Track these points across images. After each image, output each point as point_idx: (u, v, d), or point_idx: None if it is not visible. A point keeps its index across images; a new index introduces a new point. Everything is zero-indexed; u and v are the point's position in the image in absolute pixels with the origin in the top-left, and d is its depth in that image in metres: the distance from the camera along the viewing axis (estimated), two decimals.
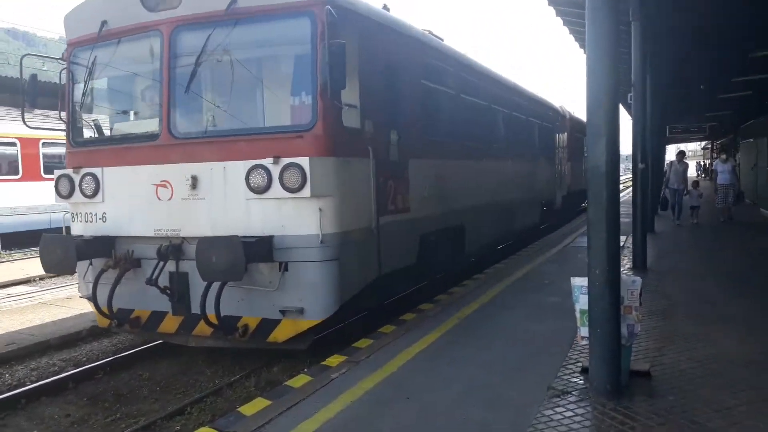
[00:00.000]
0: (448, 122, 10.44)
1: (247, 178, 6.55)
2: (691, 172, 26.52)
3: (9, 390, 6.96)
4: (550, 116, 19.77)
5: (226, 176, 6.73)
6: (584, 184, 24.68)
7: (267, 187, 6.49)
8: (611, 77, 4.78)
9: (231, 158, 6.71)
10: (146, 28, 7.19)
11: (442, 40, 10.98)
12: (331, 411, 4.91)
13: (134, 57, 7.49)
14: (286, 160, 6.42)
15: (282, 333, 6.73)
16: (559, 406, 4.76)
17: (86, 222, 7.62)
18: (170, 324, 7.24)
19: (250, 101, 7.29)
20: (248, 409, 5.15)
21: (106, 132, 8.25)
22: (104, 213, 7.47)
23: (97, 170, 7.51)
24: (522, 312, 7.89)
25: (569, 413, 4.61)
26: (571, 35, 17.37)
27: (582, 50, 19.16)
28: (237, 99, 7.14)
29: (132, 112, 8.33)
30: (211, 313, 6.53)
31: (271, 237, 6.56)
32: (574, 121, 24.97)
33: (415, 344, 6.61)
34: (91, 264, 7.55)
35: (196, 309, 6.73)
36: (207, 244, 6.22)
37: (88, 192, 7.51)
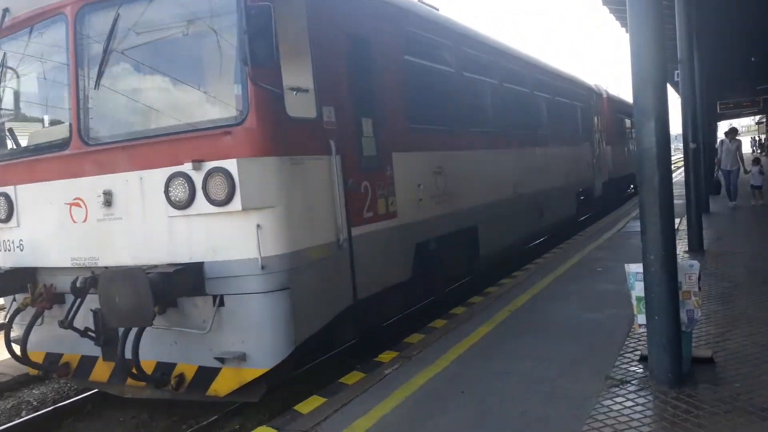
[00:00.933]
0: (447, 106, 8.98)
1: (166, 191, 5.30)
2: (746, 148, 25.20)
3: None
4: (583, 95, 17.80)
5: (143, 189, 5.45)
6: (629, 168, 24.46)
7: (190, 201, 5.23)
8: (657, 55, 4.62)
9: (148, 166, 5.43)
10: (51, 12, 5.90)
11: (437, 10, 9.49)
12: (385, 407, 4.90)
13: (42, 49, 6.19)
14: (209, 165, 5.14)
15: (222, 385, 5.46)
16: (618, 396, 4.64)
17: (4, 251, 6.44)
18: (101, 371, 6.06)
19: (173, 93, 5.82)
20: (304, 407, 5.19)
21: (23, 143, 6.83)
22: (21, 240, 6.26)
23: (9, 189, 6.30)
24: (575, 301, 7.74)
25: (629, 403, 4.49)
26: (612, 14, 16.96)
27: (624, 29, 18.69)
28: (156, 92, 5.85)
29: (45, 117, 7.00)
30: (143, 360, 5.34)
31: (200, 264, 5.29)
32: (614, 101, 23.26)
33: (467, 338, 6.56)
34: (14, 300, 6.35)
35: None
36: (108, 280, 5.05)
37: (1, 215, 6.34)
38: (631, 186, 26.81)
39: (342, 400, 5.17)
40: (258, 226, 5.16)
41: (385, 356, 6.28)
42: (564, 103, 15.42)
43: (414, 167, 7.66)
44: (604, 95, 21.63)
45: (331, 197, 5.93)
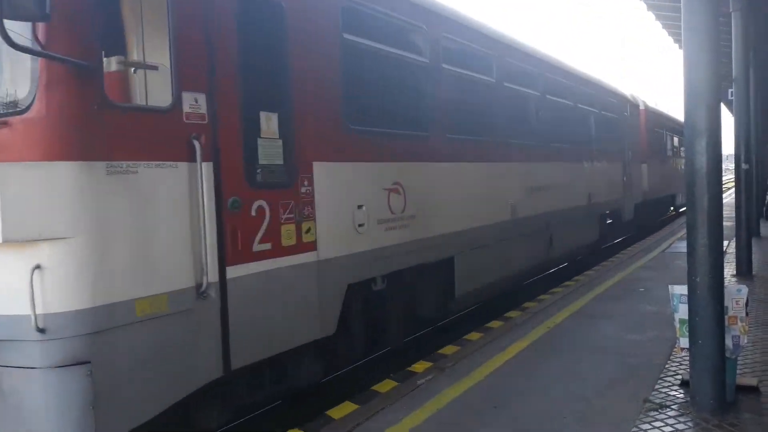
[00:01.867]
0: (412, 104, 7.03)
1: None
2: None
3: None
4: (614, 105, 15.53)
5: None
6: (670, 188, 23.49)
7: None
8: (712, 72, 4.50)
9: None
10: None
11: None
12: (417, 418, 4.87)
13: None
14: None
15: None
16: (657, 420, 4.51)
17: None
18: None
19: None
20: (336, 413, 5.21)
21: None
22: None
23: None
24: (616, 321, 7.58)
25: (668, 428, 4.36)
26: (665, 29, 16.63)
27: (677, 45, 18.31)
28: None
29: None
30: None
31: None
32: (653, 114, 21.04)
33: (503, 352, 6.47)
34: None
35: None
36: None
37: None
38: (671, 208, 25.71)
39: (374, 408, 5.16)
40: (37, 266, 3.55)
41: (419, 366, 6.25)
42: (588, 111, 13.30)
43: (352, 182, 5.83)
44: (642, 107, 19.37)
45: (189, 223, 4.23)
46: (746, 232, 10.23)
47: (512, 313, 8.44)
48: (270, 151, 4.97)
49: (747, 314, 4.74)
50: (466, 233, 7.85)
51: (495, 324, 7.88)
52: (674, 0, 12.79)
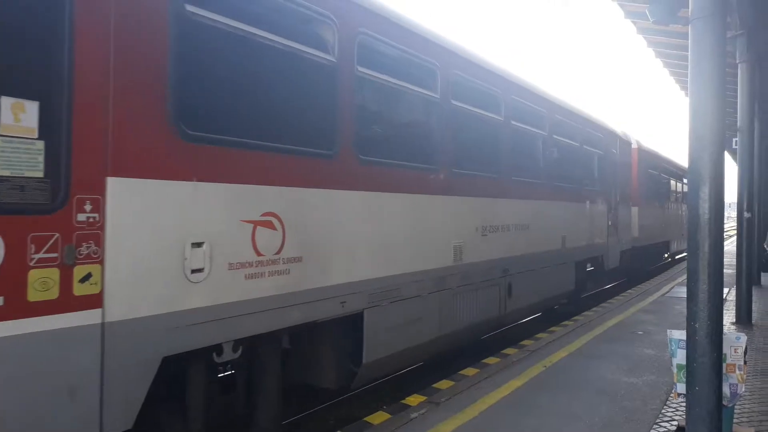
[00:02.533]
0: (302, 110, 5.34)
1: None
2: None
3: None
4: (601, 141, 13.83)
5: None
6: (665, 234, 22.15)
7: None
8: (717, 121, 4.55)
9: None
10: None
11: None
12: None
13: None
14: None
15: None
16: None
17: None
18: None
19: None
20: None
21: None
22: None
23: None
24: (613, 363, 7.53)
25: None
26: (672, 77, 16.84)
27: (684, 92, 18.51)
28: None
29: None
30: None
31: None
32: (647, 154, 19.70)
33: (498, 389, 6.43)
34: None
35: None
36: None
37: None
38: (666, 255, 24.18)
39: None
40: None
41: (413, 399, 6.20)
42: (567, 144, 11.56)
43: (185, 210, 4.21)
44: (634, 145, 18.01)
45: None
46: (747, 280, 10.22)
47: (509, 350, 8.39)
48: (16, 156, 3.33)
49: (745, 363, 4.72)
50: (382, 281, 6.16)
51: (491, 360, 7.83)
52: (682, 48, 12.98)
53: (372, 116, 6.38)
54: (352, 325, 5.96)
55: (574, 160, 12.13)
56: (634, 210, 17.41)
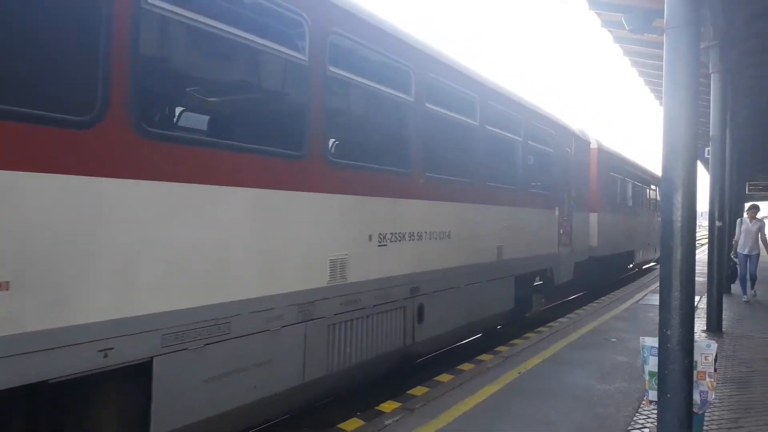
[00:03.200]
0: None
1: None
2: None
3: None
4: (552, 138, 12.20)
5: None
6: (628, 243, 20.12)
7: None
8: (690, 129, 4.60)
9: None
10: None
11: None
12: None
13: None
14: None
15: None
16: None
17: None
18: None
19: None
20: None
21: None
22: None
23: None
24: (586, 370, 7.57)
25: None
26: (647, 86, 17.09)
27: (659, 101, 18.79)
28: None
29: None
30: None
31: None
32: (609, 156, 18.00)
33: (473, 396, 6.42)
34: None
35: None
36: None
37: None
38: (631, 265, 22.49)
39: None
40: None
41: (387, 406, 6.16)
42: (504, 139, 9.96)
43: None
44: (594, 145, 16.32)
45: None
46: (718, 289, 10.36)
47: (484, 356, 8.39)
48: None
49: (715, 370, 4.75)
50: (193, 314, 4.34)
51: (466, 366, 7.82)
52: (657, 58, 13.17)
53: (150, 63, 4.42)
54: (136, 382, 4.08)
55: (515, 158, 10.50)
56: (593, 217, 15.90)
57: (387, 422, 5.59)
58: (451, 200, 8.12)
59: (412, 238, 7.18)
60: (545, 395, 6.47)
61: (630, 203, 21.37)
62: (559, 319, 11.58)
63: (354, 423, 5.73)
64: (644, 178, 23.79)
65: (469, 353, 8.95)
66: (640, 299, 14.30)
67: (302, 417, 6.95)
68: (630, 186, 21.30)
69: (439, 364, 8.51)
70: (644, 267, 26.09)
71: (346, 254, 5.98)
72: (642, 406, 5.88)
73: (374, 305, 6.47)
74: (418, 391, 6.71)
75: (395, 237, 6.84)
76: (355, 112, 6.80)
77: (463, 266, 8.47)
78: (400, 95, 7.02)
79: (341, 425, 5.72)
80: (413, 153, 7.23)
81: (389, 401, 6.32)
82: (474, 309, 8.95)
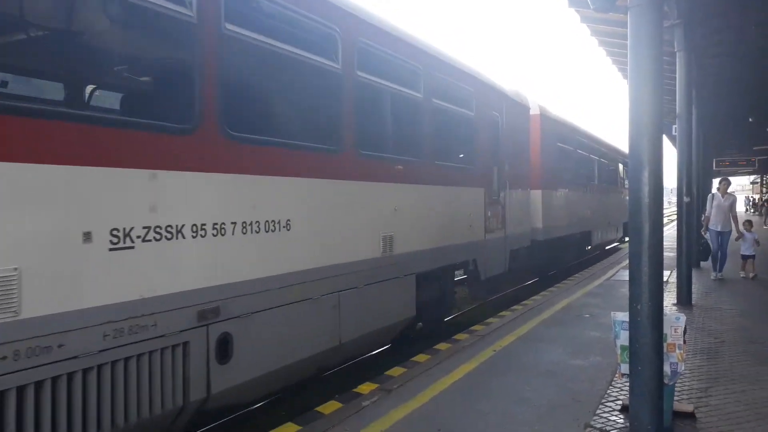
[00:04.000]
0: None
1: None
2: (739, 207, 21.66)
3: None
4: (471, 98, 9.95)
5: None
6: (583, 224, 17.80)
7: None
8: (655, 105, 4.67)
9: None
10: None
11: None
12: None
13: None
14: None
15: None
16: None
17: None
18: None
19: None
20: None
21: None
22: None
23: None
24: (560, 346, 7.69)
25: None
26: (615, 65, 17.26)
27: (626, 81, 18.99)
28: None
29: None
30: None
31: None
32: (555, 124, 15.46)
33: (449, 375, 6.49)
34: None
35: None
36: None
37: None
38: (588, 248, 20.56)
39: (317, 429, 5.08)
40: None
41: (365, 387, 6.20)
42: (389, 92, 7.66)
43: None
44: (535, 111, 13.90)
45: None
46: (687, 263, 10.57)
47: (460, 336, 8.47)
48: None
49: (685, 342, 4.87)
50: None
51: (442, 346, 7.89)
52: (623, 37, 13.28)
53: None
54: None
55: (410, 120, 8.13)
56: (536, 195, 13.81)
57: (364, 404, 5.63)
58: (289, 174, 5.72)
59: (202, 232, 4.74)
60: (520, 372, 6.57)
61: (585, 179, 18.97)
62: (533, 297, 11.73)
63: (332, 405, 5.76)
64: (603, 151, 21.53)
65: (446, 333, 9.03)
66: (613, 275, 14.54)
67: (280, 401, 6.97)
68: (585, 160, 18.96)
69: (416, 343, 8.57)
70: (606, 248, 24.79)
71: (17, 268, 3.55)
72: (614, 379, 6.00)
73: (99, 352, 3.99)
74: (396, 371, 6.76)
75: (158, 233, 4.40)
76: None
77: (315, 269, 6.02)
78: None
79: (319, 408, 5.74)
80: (200, 97, 4.80)
81: (367, 383, 6.36)
82: (341, 327, 6.47)
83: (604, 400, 5.57)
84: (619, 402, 5.44)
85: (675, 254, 11.11)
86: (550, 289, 12.89)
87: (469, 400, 5.69)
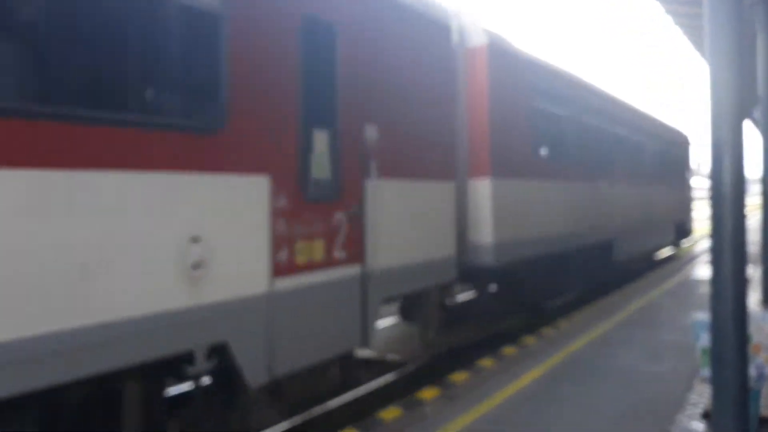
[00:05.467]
0: None
1: None
2: None
3: None
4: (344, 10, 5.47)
5: None
6: (596, 231, 11.30)
7: None
8: (735, 90, 4.33)
9: None
10: None
11: None
12: None
13: None
14: None
15: None
16: None
17: None
18: None
19: None
20: None
21: None
22: None
23: None
24: (635, 350, 7.29)
25: None
26: (692, 45, 16.45)
27: (705, 61, 18.08)
28: None
29: None
30: None
31: None
32: (525, 68, 9.24)
33: (517, 380, 6.22)
34: None
35: None
36: None
37: None
38: (608, 266, 12.97)
39: None
40: None
41: (427, 393, 6.02)
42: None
43: None
44: (480, 42, 8.11)
45: None
46: None
47: (528, 339, 8.17)
48: None
49: None
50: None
51: (509, 350, 7.62)
52: (701, 18, 12.63)
53: None
54: None
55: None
56: (479, 188, 8.03)
57: (427, 410, 5.46)
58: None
59: None
60: (592, 378, 6.24)
61: (599, 165, 12.36)
62: (606, 298, 11.24)
63: (393, 412, 5.61)
64: (637, 126, 15.18)
65: (513, 336, 8.74)
66: (691, 273, 13.82)
67: (341, 407, 6.89)
68: (599, 136, 12.39)
69: (480, 348, 8.33)
70: (657, 258, 19.52)
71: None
72: (695, 384, 5.62)
73: None
74: (459, 377, 6.55)
75: None
76: None
77: None
78: None
79: (381, 414, 5.60)
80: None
81: (429, 388, 6.18)
82: None
83: (683, 406, 5.21)
84: (700, 408, 5.08)
85: (760, 248, 10.41)
86: (624, 289, 12.34)
87: (537, 408, 5.42)
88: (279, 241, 4.66)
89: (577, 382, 6.10)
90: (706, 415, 4.82)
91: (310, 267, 5.01)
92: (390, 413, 5.55)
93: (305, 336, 4.94)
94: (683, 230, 20.32)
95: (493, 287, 9.22)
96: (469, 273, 7.98)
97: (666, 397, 5.53)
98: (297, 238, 4.86)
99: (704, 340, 4.51)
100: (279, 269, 4.64)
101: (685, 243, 21.71)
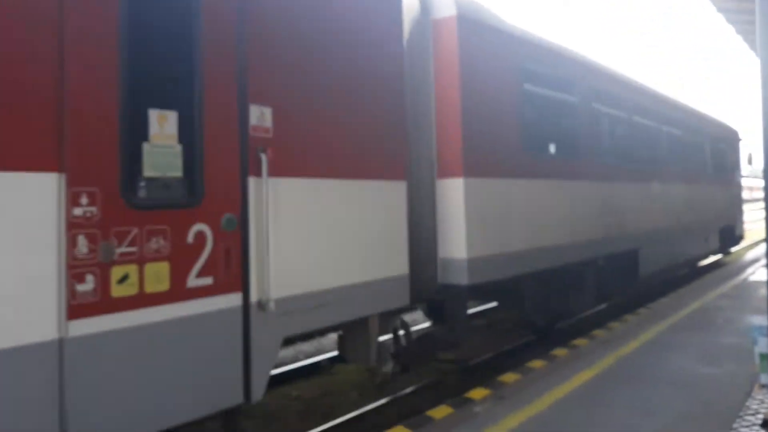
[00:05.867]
0: None
1: None
2: None
3: None
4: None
5: None
6: (625, 240, 9.88)
7: None
8: None
9: None
10: None
11: None
12: None
13: None
14: None
15: None
16: None
17: None
18: None
19: None
20: None
21: None
22: None
23: None
24: (690, 353, 7.12)
25: None
26: (746, 43, 15.96)
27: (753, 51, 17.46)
28: None
29: None
30: None
31: None
32: (507, 42, 7.31)
33: (567, 382, 6.18)
34: None
35: None
36: None
37: None
38: (633, 281, 11.08)
39: None
40: None
41: (477, 393, 6.04)
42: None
43: None
44: (449, 13, 6.45)
45: None
46: None
47: (579, 341, 8.07)
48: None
49: None
50: None
51: (560, 352, 7.55)
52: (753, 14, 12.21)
53: None
54: None
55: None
56: (450, 190, 6.48)
57: (477, 410, 5.48)
58: None
59: None
60: (644, 381, 6.14)
61: (622, 162, 10.58)
62: (659, 300, 11.00)
63: (443, 410, 5.64)
64: (671, 117, 13.42)
65: (563, 338, 8.65)
66: (750, 275, 13.39)
67: (390, 404, 6.96)
68: (606, 124, 10.18)
69: (531, 349, 8.28)
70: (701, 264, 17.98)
71: None
72: (753, 390, 5.46)
73: None
74: (509, 377, 6.53)
75: None
76: None
77: None
78: None
79: (430, 412, 5.64)
80: None
81: (479, 388, 6.19)
82: None
83: (741, 413, 5.07)
84: (760, 415, 4.93)
85: None
86: (678, 290, 12.05)
87: (588, 410, 5.37)
88: (78, 268, 3.22)
89: (628, 385, 6.01)
90: (765, 424, 4.69)
91: (143, 301, 3.50)
92: (440, 412, 5.58)
93: (129, 398, 3.41)
94: (731, 236, 17.93)
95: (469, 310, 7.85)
96: (439, 294, 6.54)
97: (723, 403, 5.39)
98: (116, 261, 3.38)
99: (763, 345, 4.40)
100: (79, 307, 3.21)
101: (734, 249, 19.73)
